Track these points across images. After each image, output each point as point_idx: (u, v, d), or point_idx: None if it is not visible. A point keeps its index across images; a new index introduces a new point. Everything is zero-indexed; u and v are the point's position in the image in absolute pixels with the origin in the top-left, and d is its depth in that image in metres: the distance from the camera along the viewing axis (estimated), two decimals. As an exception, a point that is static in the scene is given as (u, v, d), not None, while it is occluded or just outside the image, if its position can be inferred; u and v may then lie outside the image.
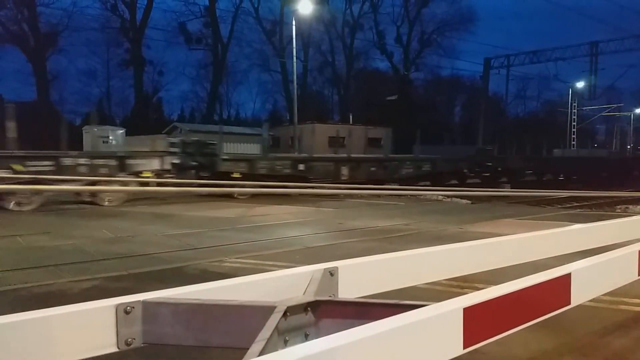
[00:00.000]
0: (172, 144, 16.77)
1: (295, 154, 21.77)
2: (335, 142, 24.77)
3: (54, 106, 38.64)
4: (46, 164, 12.89)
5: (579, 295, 1.76)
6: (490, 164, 25.88)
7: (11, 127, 13.79)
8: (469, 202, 15.12)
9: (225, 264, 6.04)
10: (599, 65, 39.71)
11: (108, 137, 20.76)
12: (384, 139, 33.58)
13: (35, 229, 8.94)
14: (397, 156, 23.92)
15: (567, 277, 1.70)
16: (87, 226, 9.30)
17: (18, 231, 8.57)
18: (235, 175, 17.24)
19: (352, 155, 21.31)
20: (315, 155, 20.97)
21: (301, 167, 19.56)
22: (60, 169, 13.11)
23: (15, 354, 1.27)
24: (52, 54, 39.28)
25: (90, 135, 20.30)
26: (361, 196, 14.77)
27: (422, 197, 15.56)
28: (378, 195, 14.70)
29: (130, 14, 41.84)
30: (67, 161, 13.61)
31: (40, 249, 7.06)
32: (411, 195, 15.61)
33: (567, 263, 1.83)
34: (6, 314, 1.32)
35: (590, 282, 1.86)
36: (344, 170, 20.61)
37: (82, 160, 13.99)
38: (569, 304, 1.72)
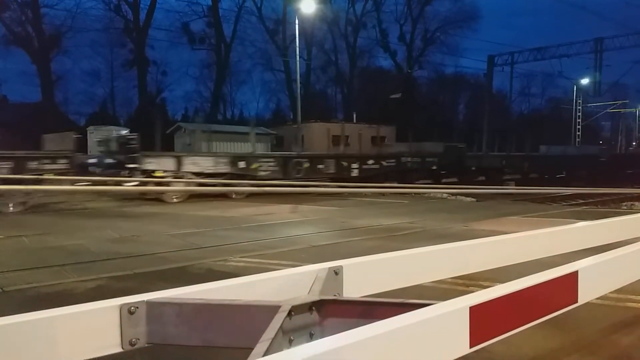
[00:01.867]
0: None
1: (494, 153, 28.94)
2: (339, 140, 24.73)
3: (59, 107, 38.82)
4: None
5: (586, 293, 1.75)
6: (603, 159, 33.93)
7: None
8: (473, 199, 15.08)
9: (230, 263, 6.05)
10: (604, 62, 39.46)
11: (112, 137, 20.87)
12: (388, 137, 33.51)
13: (41, 229, 8.97)
14: (552, 155, 32.97)
15: (574, 275, 1.69)
16: (92, 226, 9.33)
17: (23, 231, 8.61)
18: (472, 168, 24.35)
19: (531, 154, 29.69)
20: (511, 154, 28.09)
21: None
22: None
23: (19, 355, 1.26)
24: (56, 55, 39.46)
25: (95, 135, 20.43)
26: (365, 194, 14.76)
27: (426, 195, 15.53)
28: (382, 194, 14.70)
29: (134, 15, 41.94)
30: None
31: (46, 249, 7.08)
32: (415, 194, 15.59)
33: (573, 261, 1.81)
34: (12, 314, 1.32)
35: (597, 280, 1.85)
36: (525, 164, 27.64)
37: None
38: (576, 302, 1.71)
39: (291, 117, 43.01)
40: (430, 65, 56.90)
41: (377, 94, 48.87)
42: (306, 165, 17.88)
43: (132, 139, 15.76)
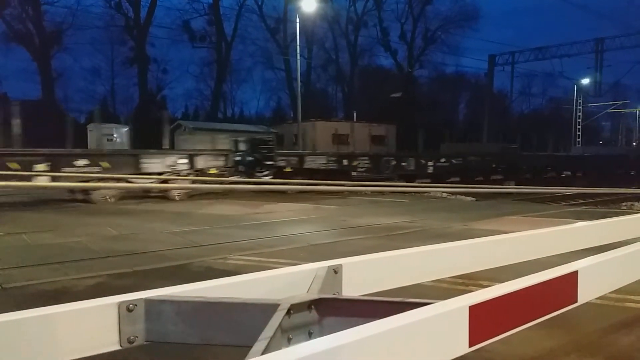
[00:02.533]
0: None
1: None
2: (339, 139, 24.78)
3: (59, 104, 38.82)
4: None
5: (586, 293, 1.74)
6: (633, 158, 35.77)
7: (16, 125, 13.93)
8: (473, 199, 15.08)
9: (230, 262, 6.05)
10: (605, 62, 39.54)
11: (113, 134, 20.88)
12: (388, 136, 33.53)
13: (40, 226, 8.97)
14: (587, 155, 34.70)
15: (574, 275, 1.68)
16: (91, 224, 9.33)
17: (23, 228, 8.61)
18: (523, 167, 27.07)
19: (569, 154, 33.97)
20: (553, 154, 31.01)
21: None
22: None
23: (17, 352, 1.26)
24: (56, 53, 39.50)
25: (95, 133, 20.42)
26: (365, 193, 14.76)
27: (426, 194, 15.53)
28: (382, 193, 14.70)
29: (135, 12, 41.96)
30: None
31: (45, 247, 7.09)
32: (415, 193, 15.59)
33: (572, 261, 1.81)
34: (10, 311, 1.32)
35: (597, 280, 1.84)
36: (565, 163, 30.16)
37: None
38: (576, 301, 1.70)
39: (291, 115, 43.02)
40: (431, 65, 56.98)
41: (377, 92, 48.85)
42: (393, 163, 21.01)
43: (269, 140, 18.69)
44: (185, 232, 8.38)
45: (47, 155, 12.21)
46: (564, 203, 16.08)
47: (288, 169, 17.26)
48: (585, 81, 45.14)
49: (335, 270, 1.77)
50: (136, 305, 1.41)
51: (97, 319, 1.36)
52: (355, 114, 37.68)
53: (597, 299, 1.94)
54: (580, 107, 48.47)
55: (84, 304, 1.37)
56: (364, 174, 19.64)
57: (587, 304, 1.81)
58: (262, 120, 43.86)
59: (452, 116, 60.64)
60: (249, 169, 16.69)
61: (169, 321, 1.43)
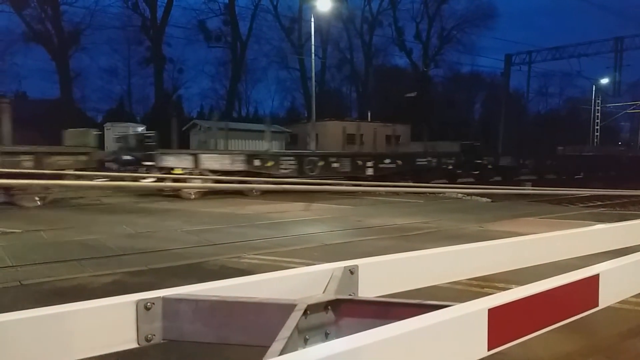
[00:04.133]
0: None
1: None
2: (353, 139, 24.67)
3: (76, 103, 39.34)
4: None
5: (608, 297, 1.71)
6: None
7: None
8: (489, 200, 14.93)
9: (244, 260, 6.07)
10: (624, 62, 38.79)
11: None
12: (403, 136, 33.38)
13: (58, 224, 9.09)
14: None
15: (595, 278, 1.65)
16: (107, 222, 9.43)
17: (41, 226, 8.73)
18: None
19: None
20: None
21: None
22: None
23: (35, 349, 1.27)
24: (74, 52, 39.96)
25: (112, 131, 20.70)
26: (379, 194, 14.71)
27: (441, 194, 15.42)
28: (396, 193, 14.63)
29: (151, 12, 42.29)
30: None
31: (63, 244, 7.18)
32: (430, 193, 15.49)
33: (590, 264, 1.78)
34: (28, 308, 1.33)
35: (619, 284, 1.80)
36: None
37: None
38: (597, 305, 1.67)
39: (306, 115, 43.04)
40: (447, 64, 56.55)
41: (392, 92, 48.63)
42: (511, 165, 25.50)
43: (478, 144, 25.96)
44: (199, 230, 8.43)
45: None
46: (582, 205, 15.86)
47: (489, 166, 22.96)
48: (604, 81, 44.47)
49: (352, 271, 1.76)
50: (154, 303, 1.42)
51: (115, 317, 1.37)
52: (369, 114, 37.57)
53: (616, 302, 1.90)
54: (599, 108, 47.76)
55: (102, 302, 1.38)
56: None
57: (606, 307, 1.78)
58: (277, 119, 43.85)
59: (468, 116, 60.13)
60: (462, 168, 21.69)
61: (186, 320, 1.43)
